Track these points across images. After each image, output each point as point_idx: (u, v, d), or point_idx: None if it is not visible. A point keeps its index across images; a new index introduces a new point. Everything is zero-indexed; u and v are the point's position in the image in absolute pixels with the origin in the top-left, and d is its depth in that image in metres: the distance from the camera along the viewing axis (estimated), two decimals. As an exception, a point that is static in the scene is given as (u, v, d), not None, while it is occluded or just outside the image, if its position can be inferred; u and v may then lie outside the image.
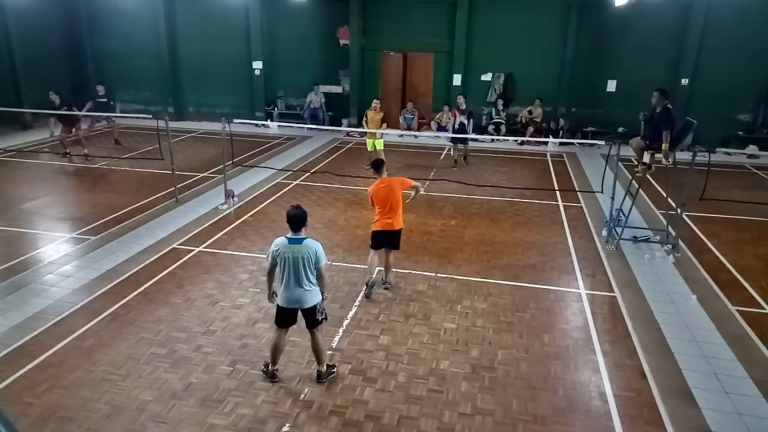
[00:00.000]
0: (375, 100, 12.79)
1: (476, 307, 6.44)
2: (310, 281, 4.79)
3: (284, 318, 4.94)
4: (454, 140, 13.14)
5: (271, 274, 4.92)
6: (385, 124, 12.63)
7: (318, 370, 5.06)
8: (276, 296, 4.93)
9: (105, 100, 14.39)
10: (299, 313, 4.92)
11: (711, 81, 15.24)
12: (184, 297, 6.51)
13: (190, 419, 4.52)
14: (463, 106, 12.80)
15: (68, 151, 13.06)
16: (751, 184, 12.21)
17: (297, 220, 4.73)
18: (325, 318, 5.05)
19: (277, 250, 4.73)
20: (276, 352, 5.02)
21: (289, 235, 4.77)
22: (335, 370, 5.16)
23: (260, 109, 18.27)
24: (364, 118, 12.76)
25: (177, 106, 18.83)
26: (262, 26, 17.65)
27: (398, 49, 17.76)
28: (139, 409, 4.62)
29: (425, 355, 5.46)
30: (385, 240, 6.64)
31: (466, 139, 13.07)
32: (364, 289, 6.68)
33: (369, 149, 12.64)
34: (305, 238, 4.76)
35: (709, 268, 7.64)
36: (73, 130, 13.28)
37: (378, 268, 6.87)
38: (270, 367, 5.05)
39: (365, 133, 12.76)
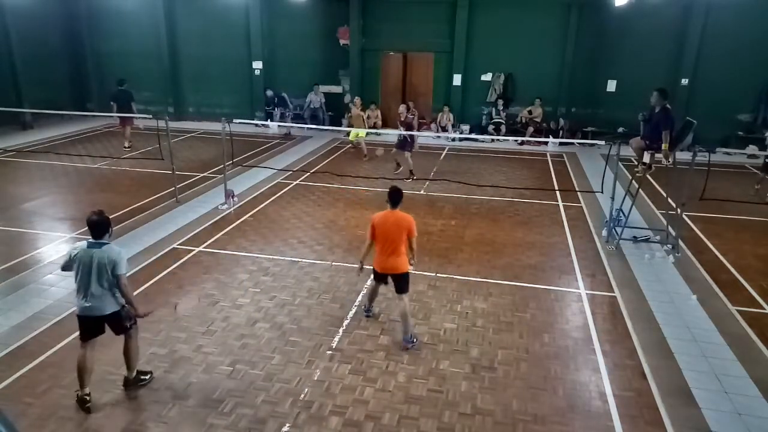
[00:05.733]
0: (357, 98, 14.62)
1: (476, 307, 6.43)
2: (103, 288, 4.42)
3: (86, 328, 4.54)
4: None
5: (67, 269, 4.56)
6: (366, 115, 14.46)
7: (125, 377, 4.83)
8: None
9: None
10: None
11: (711, 81, 15.24)
12: (184, 297, 6.50)
13: (190, 419, 4.52)
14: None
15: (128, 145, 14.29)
16: (751, 184, 12.20)
17: (98, 227, 4.46)
18: (135, 322, 4.70)
19: (76, 254, 4.44)
20: (82, 372, 4.56)
21: (90, 239, 4.51)
22: (148, 377, 4.91)
23: (260, 109, 18.27)
24: (348, 115, 14.47)
25: (177, 106, 18.83)
26: (262, 26, 17.65)
27: (398, 49, 17.75)
28: (139, 409, 4.62)
29: (425, 355, 5.46)
30: (387, 279, 5.75)
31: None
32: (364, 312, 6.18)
33: (351, 138, 14.07)
34: (106, 243, 4.48)
35: (709, 268, 7.64)
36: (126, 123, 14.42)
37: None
38: (79, 392, 4.60)
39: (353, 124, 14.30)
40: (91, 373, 4.62)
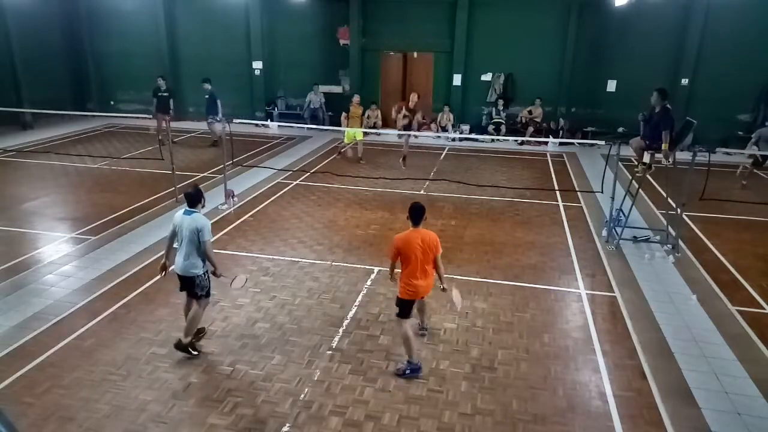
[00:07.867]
0: (356, 95, 13.86)
1: (476, 307, 6.43)
2: (189, 251, 5.18)
3: (180, 283, 5.42)
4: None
5: (170, 240, 5.38)
6: (367, 115, 13.60)
7: (179, 339, 5.32)
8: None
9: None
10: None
11: (711, 81, 15.25)
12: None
13: (190, 419, 4.52)
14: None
15: (162, 138, 13.88)
16: (751, 184, 12.20)
17: (191, 198, 5.28)
18: (206, 295, 5.37)
19: (175, 220, 5.29)
20: (185, 313, 5.49)
21: (186, 208, 5.30)
22: (195, 354, 5.33)
23: (260, 109, 18.28)
24: (344, 114, 13.47)
25: (177, 106, 18.80)
26: (262, 26, 17.66)
27: (398, 49, 17.76)
28: (139, 409, 4.62)
29: (425, 355, 5.46)
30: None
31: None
32: (409, 370, 5.12)
33: (347, 140, 13.41)
34: (196, 212, 5.25)
35: (709, 268, 7.63)
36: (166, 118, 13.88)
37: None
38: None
39: (350, 124, 13.45)
40: None
